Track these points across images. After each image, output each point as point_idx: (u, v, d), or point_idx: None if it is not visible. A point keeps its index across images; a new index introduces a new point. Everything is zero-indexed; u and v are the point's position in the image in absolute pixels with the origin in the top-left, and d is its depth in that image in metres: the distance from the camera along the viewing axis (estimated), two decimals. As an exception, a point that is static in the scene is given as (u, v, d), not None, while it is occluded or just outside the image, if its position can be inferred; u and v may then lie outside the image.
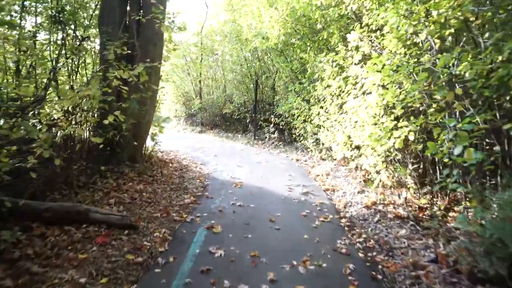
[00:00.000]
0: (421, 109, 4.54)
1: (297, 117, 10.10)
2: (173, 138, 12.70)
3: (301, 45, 9.40)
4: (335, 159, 7.94)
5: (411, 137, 4.35)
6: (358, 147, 6.61)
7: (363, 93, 6.03)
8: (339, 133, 7.07)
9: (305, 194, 5.92)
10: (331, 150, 8.22)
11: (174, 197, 5.42)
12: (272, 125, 12.04)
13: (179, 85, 15.19)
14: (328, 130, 7.93)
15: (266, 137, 12.27)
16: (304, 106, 9.64)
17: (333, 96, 7.82)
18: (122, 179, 5.58)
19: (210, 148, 10.62)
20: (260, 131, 13.06)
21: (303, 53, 9.40)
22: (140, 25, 6.38)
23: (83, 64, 5.41)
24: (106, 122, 4.69)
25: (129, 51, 5.81)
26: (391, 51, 5.15)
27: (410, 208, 4.61)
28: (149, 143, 7.22)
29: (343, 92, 7.17)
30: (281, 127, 11.65)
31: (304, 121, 9.81)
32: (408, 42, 4.85)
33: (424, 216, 4.35)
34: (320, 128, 8.77)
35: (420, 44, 4.71)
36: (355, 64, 6.32)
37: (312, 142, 9.14)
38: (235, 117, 13.86)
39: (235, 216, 4.76)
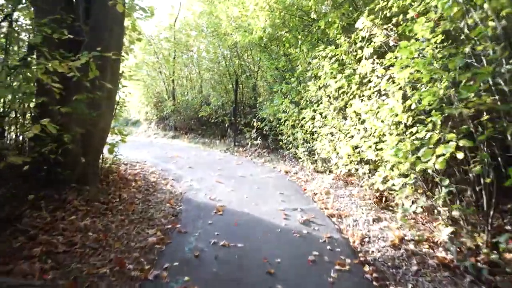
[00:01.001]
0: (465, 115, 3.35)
1: (285, 122, 8.84)
2: (142, 145, 11.15)
3: (290, 39, 8.13)
4: (335, 173, 6.72)
5: (460, 155, 3.15)
6: (368, 161, 5.40)
7: (378, 94, 4.81)
8: (342, 142, 5.84)
9: (306, 223, 4.62)
10: (329, 161, 6.99)
11: (133, 234, 3.98)
12: (254, 130, 10.72)
13: (150, 85, 13.63)
14: (325, 138, 6.70)
15: (247, 144, 10.94)
16: (293, 109, 8.38)
17: (331, 98, 6.59)
18: (62, 210, 4.10)
19: (185, 157, 9.18)
20: (241, 136, 11.72)
21: (292, 48, 8.15)
22: (90, 3, 4.91)
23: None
24: (29, 134, 3.23)
25: (74, 37, 4.35)
26: (417, 39, 3.93)
27: (459, 250, 3.40)
28: (111, 154, 5.76)
29: (346, 93, 5.95)
30: (264, 132, 10.36)
31: (293, 126, 8.55)
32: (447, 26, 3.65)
33: (482, 264, 3.14)
34: (313, 135, 7.53)
35: (466, 30, 3.51)
36: (365, 58, 5.10)
37: (304, 151, 7.89)
38: (213, 120, 12.47)
39: (217, 265, 3.39)
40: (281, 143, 9.39)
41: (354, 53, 5.72)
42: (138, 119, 15.00)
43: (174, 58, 12.86)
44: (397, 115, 4.03)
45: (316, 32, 7.21)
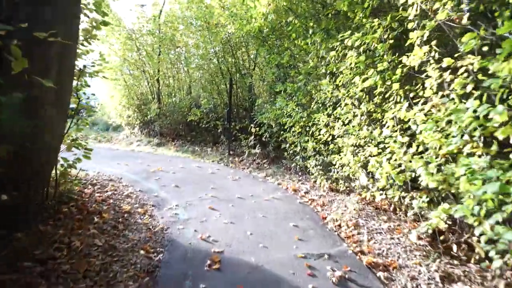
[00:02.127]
0: None
1: (290, 128, 7.40)
2: (121, 155, 9.56)
3: (298, 28, 6.67)
4: (359, 195, 5.28)
5: None
6: (418, 187, 3.98)
7: (442, 95, 3.38)
8: (377, 158, 4.40)
9: (343, 284, 3.17)
10: (352, 180, 5.55)
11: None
12: (252, 137, 9.24)
13: (132, 85, 12.04)
14: (348, 151, 5.27)
15: (244, 152, 9.46)
16: (300, 113, 6.94)
17: (355, 100, 5.16)
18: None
19: (170, 171, 7.65)
20: (236, 143, 10.24)
21: (300, 40, 6.70)
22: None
23: None
24: None
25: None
26: None
27: None
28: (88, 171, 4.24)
29: (380, 94, 4.52)
30: (264, 139, 8.89)
31: (300, 133, 7.11)
32: None
33: None
34: (329, 145, 6.10)
35: None
36: (417, 45, 3.67)
37: (316, 165, 6.44)
38: (204, 125, 10.94)
39: None
40: (285, 153, 7.92)
41: (390, 41, 4.29)
42: (120, 124, 13.36)
43: (159, 54, 11.29)
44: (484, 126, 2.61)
45: (332, 18, 5.77)
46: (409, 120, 3.83)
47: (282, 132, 7.87)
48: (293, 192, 6.30)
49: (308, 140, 6.65)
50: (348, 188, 5.74)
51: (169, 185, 6.50)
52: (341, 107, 5.57)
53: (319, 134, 6.22)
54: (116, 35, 11.02)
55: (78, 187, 5.33)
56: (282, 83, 8.14)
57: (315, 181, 6.58)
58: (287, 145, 7.73)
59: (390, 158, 4.12)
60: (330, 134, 5.92)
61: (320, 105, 6.46)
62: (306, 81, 7.12)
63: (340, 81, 5.40)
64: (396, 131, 4.12)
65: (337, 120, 5.68)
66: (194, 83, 12.10)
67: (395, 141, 4.06)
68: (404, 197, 4.16)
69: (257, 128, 9.04)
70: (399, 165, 4.00)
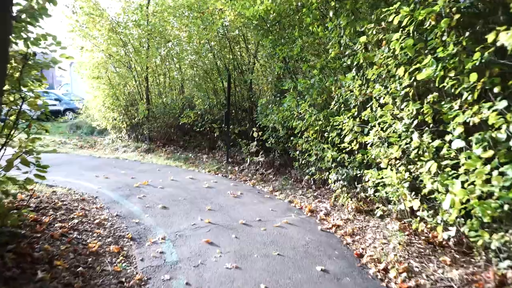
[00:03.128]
0: None
1: (301, 133, 6.16)
2: (102, 165, 8.25)
3: (314, 10, 5.41)
4: (406, 224, 4.04)
5: None
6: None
7: None
8: (444, 178, 3.18)
9: None
10: (392, 202, 4.31)
11: None
12: (254, 142, 7.98)
13: (118, 84, 10.70)
14: (387, 165, 4.04)
15: (244, 160, 8.22)
16: (315, 115, 5.71)
17: (398, 97, 3.93)
18: None
19: (158, 186, 6.38)
20: (235, 148, 8.97)
21: (315, 25, 5.47)
22: None
23: None
24: None
25: None
26: None
27: None
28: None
29: (442, 89, 3.30)
30: (268, 145, 7.63)
31: (315, 139, 5.86)
32: None
33: None
34: (355, 155, 4.88)
35: None
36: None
37: (339, 180, 5.19)
38: (198, 129, 9.64)
39: None
40: (294, 162, 6.68)
41: (456, 16, 3.07)
42: (105, 127, 12.01)
43: (148, 49, 9.98)
44: None
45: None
46: (497, 127, 2.61)
47: (291, 138, 6.63)
48: (309, 213, 5.06)
49: (326, 149, 5.40)
50: (386, 212, 4.49)
51: (155, 205, 5.23)
52: (372, 108, 4.35)
53: (342, 141, 4.98)
54: (98, 27, 9.70)
55: (33, 216, 4.04)
56: (291, 79, 6.90)
57: (336, 199, 5.33)
58: (297, 152, 6.50)
59: (465, 180, 2.89)
60: (357, 142, 4.69)
61: (341, 105, 5.22)
62: (321, 76, 5.89)
63: (373, 75, 4.17)
64: (472, 141, 2.89)
65: (369, 124, 4.44)
66: (187, 82, 10.79)
67: (469, 157, 2.83)
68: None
69: (260, 132, 7.79)
70: (481, 192, 2.77)
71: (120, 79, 10.72)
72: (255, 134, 7.88)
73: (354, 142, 4.76)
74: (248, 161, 7.87)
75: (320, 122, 5.65)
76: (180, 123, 9.82)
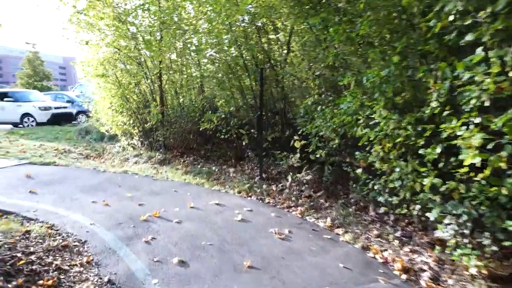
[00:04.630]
0: None
1: (370, 145, 4.35)
2: (104, 183, 6.62)
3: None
4: None
5: None
6: None
7: None
8: None
9: None
10: None
11: None
12: (297, 154, 6.18)
13: (126, 83, 9.10)
14: None
15: (281, 175, 6.48)
16: (396, 120, 3.88)
17: None
18: None
19: (174, 217, 4.70)
20: (268, 160, 7.21)
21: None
22: None
23: None
24: None
25: None
26: None
27: None
28: None
29: None
30: (313, 157, 5.81)
31: (395, 155, 4.03)
32: None
33: None
34: (482, 186, 3.04)
35: None
36: None
37: (453, 224, 3.33)
38: (222, 136, 7.90)
39: None
40: (355, 184, 4.86)
41: None
42: (115, 134, 10.44)
43: (161, 40, 8.31)
44: None
45: None
46: None
47: (347, 149, 4.82)
48: (403, 274, 3.25)
49: (423, 173, 3.56)
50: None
51: (168, 259, 3.52)
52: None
53: (456, 163, 3.14)
54: (100, 15, 8.10)
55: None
56: (352, 71, 5.09)
57: (442, 250, 3.48)
58: (359, 170, 4.68)
59: None
60: (490, 166, 2.84)
61: (446, 107, 3.38)
62: (405, 63, 4.07)
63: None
64: None
65: (506, 137, 2.61)
66: (207, 79, 9.05)
67: None
68: None
69: (302, 141, 5.99)
70: None
71: (129, 77, 9.11)
72: (296, 144, 6.09)
73: (478, 163, 2.92)
74: (290, 179, 6.08)
75: (404, 132, 3.82)
76: (201, 129, 8.10)
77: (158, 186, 6.41)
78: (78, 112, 18.47)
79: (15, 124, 16.46)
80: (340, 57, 5.19)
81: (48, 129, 14.45)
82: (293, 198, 5.56)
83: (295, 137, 6.13)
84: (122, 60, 9.22)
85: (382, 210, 4.41)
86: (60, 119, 16.82)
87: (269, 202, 5.52)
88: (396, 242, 3.90)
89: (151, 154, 8.92)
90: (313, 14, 5.39)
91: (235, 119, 7.87)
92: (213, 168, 7.60)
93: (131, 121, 9.53)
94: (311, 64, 6.32)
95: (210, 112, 8.16)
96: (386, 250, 3.74)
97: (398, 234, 4.08)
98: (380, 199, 4.36)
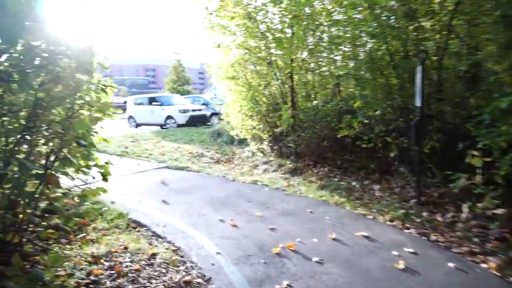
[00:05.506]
0: None
1: None
2: (232, 198, 6.09)
3: None
4: None
5: None
6: None
7: None
8: None
9: None
10: None
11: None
12: (478, 176, 4.51)
13: (256, 85, 8.58)
14: None
15: (456, 204, 4.88)
16: None
17: None
18: None
19: (311, 257, 3.72)
20: (425, 177, 5.64)
21: None
22: None
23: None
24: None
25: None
26: None
27: None
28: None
29: None
30: (500, 179, 4.09)
31: None
32: None
33: None
34: None
35: None
36: None
37: None
38: (364, 144, 6.61)
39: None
40: None
41: None
42: (245, 138, 10.13)
43: (292, 35, 7.48)
44: None
45: None
46: None
47: None
48: None
49: None
50: None
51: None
52: None
53: None
54: (231, 14, 7.71)
55: None
56: None
57: None
58: None
59: None
60: None
61: None
62: None
63: None
64: None
65: None
66: (344, 78, 7.81)
67: None
68: None
69: (484, 158, 4.32)
70: None
71: (259, 78, 8.57)
72: (474, 161, 4.44)
73: None
74: (466, 209, 4.48)
75: None
76: (337, 136, 6.97)
77: (290, 203, 5.56)
78: (212, 114, 19.33)
79: (161, 126, 18.12)
80: None
81: (185, 130, 15.31)
82: (474, 239, 3.99)
83: (473, 152, 4.49)
84: (252, 61, 8.75)
85: None
86: (196, 120, 17.82)
87: (437, 241, 4.08)
88: None
89: (281, 161, 8.20)
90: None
91: (381, 125, 6.48)
92: (353, 183, 6.40)
93: (261, 125, 9.01)
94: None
95: (348, 116, 6.95)
96: None
97: None
98: None
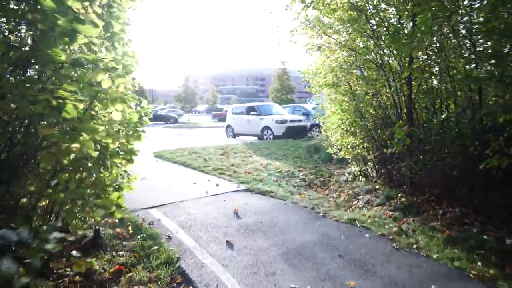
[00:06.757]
0: None
1: None
2: (315, 253, 4.52)
3: None
4: None
5: None
6: None
7: None
8: None
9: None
10: None
11: None
12: None
13: (362, 94, 6.80)
14: None
15: None
16: None
17: None
18: None
19: None
20: None
21: None
22: None
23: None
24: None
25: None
26: None
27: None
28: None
29: None
30: None
31: None
32: None
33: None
34: None
35: None
36: None
37: None
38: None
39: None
40: None
41: None
42: (343, 155, 8.37)
43: (413, 27, 5.51)
44: None
45: None
46: None
47: None
48: None
49: None
50: None
51: None
52: None
53: None
54: (333, 5, 6.15)
55: None
56: None
57: None
58: None
59: None
60: None
61: None
62: None
63: None
64: None
65: None
66: (491, 81, 5.52)
67: None
68: None
69: None
70: None
71: (366, 86, 6.80)
72: None
73: None
74: None
75: None
76: (483, 167, 4.79)
77: (402, 267, 3.74)
78: (312, 125, 17.81)
79: (258, 137, 17.31)
80: None
81: (281, 143, 14.11)
82: None
83: None
84: (358, 64, 7.03)
85: None
86: (294, 132, 16.52)
87: None
88: None
89: (389, 192, 6.29)
90: None
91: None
92: (508, 240, 4.21)
93: (365, 144, 7.17)
94: None
95: (491, 135, 4.73)
96: None
97: None
98: None
